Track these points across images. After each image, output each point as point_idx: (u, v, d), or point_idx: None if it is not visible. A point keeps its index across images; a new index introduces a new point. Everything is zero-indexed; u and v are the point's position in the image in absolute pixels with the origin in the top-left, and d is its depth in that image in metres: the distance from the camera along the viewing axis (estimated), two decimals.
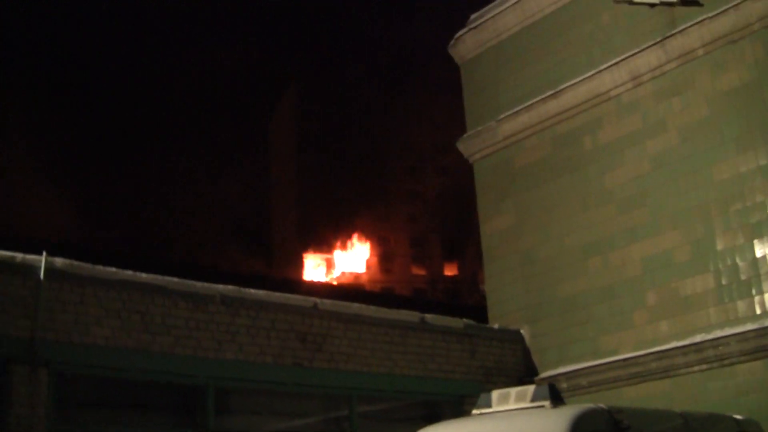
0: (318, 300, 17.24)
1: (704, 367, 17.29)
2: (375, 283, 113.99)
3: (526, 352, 20.43)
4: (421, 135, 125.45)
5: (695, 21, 18.64)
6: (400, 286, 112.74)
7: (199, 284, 15.75)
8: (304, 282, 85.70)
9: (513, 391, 10.91)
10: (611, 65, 20.04)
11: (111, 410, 15.02)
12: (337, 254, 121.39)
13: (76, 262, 14.36)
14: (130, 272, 14.97)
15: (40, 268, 13.84)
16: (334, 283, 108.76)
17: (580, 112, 20.74)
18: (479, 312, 22.72)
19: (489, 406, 11.02)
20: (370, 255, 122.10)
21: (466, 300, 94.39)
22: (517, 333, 20.56)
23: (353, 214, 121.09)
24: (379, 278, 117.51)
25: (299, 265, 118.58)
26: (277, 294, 16.96)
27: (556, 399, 10.37)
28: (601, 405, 10.17)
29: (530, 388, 10.74)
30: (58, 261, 14.13)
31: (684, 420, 11.37)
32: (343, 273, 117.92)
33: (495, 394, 11.08)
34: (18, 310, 13.55)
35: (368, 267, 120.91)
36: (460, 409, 18.59)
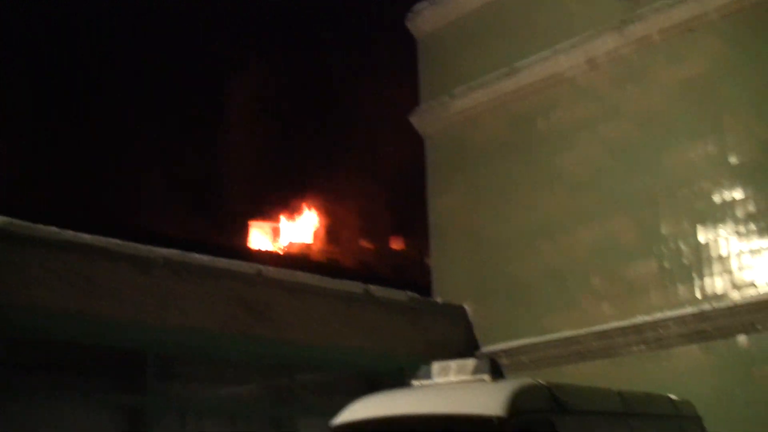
0: (262, 267, 17.11)
1: (643, 348, 17.58)
2: (321, 253, 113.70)
3: (469, 328, 20.46)
4: (375, 108, 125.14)
5: (653, 8, 18.68)
6: (346, 258, 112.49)
7: (143, 247, 15.46)
8: (250, 250, 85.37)
9: (453, 363, 10.89)
10: (568, 47, 20.03)
11: (52, 374, 14.77)
12: (284, 224, 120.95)
13: (17, 221, 13.94)
14: (72, 233, 14.61)
15: None
16: (280, 252, 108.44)
17: (536, 92, 20.69)
18: (425, 287, 22.70)
19: (429, 378, 11.01)
20: (318, 226, 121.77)
21: (412, 275, 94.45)
22: (461, 308, 20.58)
23: (303, 185, 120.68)
24: (326, 249, 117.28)
25: (246, 232, 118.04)
26: (222, 260, 16.72)
27: (496, 373, 10.37)
28: (541, 381, 10.19)
29: (471, 362, 10.73)
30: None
31: (621, 399, 11.45)
32: (290, 242, 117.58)
33: (436, 367, 11.07)
34: None
35: (315, 237, 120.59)
36: (401, 382, 18.40)
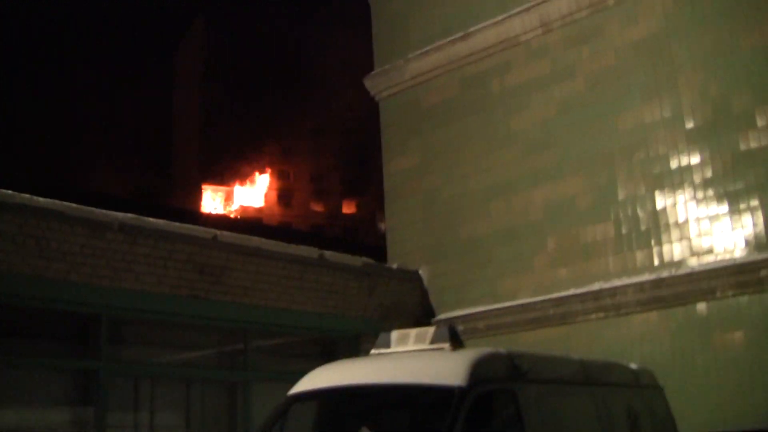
0: (218, 232, 17.00)
1: (601, 315, 17.55)
2: (273, 217, 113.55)
3: (424, 293, 20.43)
4: (326, 70, 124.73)
5: None
6: (298, 222, 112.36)
7: (97, 211, 15.24)
8: (203, 214, 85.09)
9: (412, 332, 10.84)
10: (522, 10, 20.00)
11: (4, 338, 14.68)
12: (237, 188, 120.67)
13: None
14: (27, 195, 14.43)
15: None
16: (232, 215, 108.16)
17: (490, 55, 20.66)
18: (377, 251, 22.68)
19: (388, 346, 10.94)
20: (269, 189, 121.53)
21: (365, 239, 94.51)
22: (416, 273, 20.56)
23: (255, 148, 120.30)
24: (278, 213, 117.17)
25: (198, 196, 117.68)
26: (177, 224, 16.57)
27: (456, 342, 10.33)
28: (501, 349, 10.16)
29: (430, 330, 10.68)
30: None
31: (581, 366, 11.43)
32: (241, 206, 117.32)
33: (394, 335, 11.00)
34: None
35: (267, 201, 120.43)
36: (356, 347, 18.59)
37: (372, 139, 23.78)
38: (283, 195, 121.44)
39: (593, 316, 17.67)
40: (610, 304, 17.44)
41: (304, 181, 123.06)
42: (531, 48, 19.98)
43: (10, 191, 14.28)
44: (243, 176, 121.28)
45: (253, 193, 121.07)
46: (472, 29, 20.83)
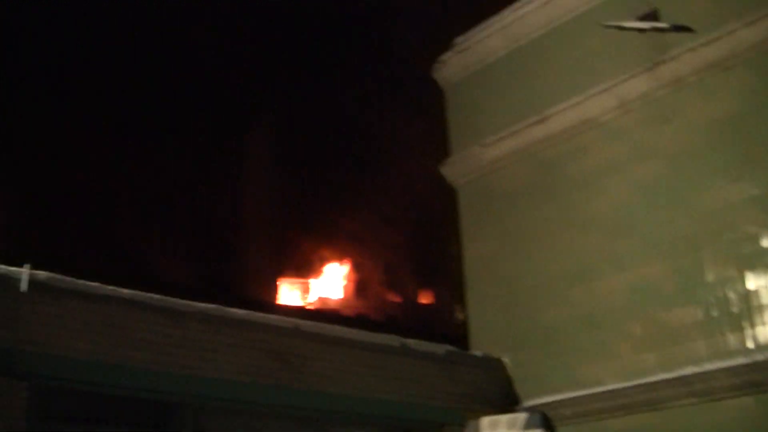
0: (299, 321, 17.02)
1: (693, 401, 16.97)
2: (349, 308, 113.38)
3: (508, 381, 20.08)
4: (398, 160, 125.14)
5: (687, 47, 18.48)
6: (374, 313, 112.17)
7: (179, 301, 15.50)
8: (279, 306, 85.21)
9: (503, 418, 10.71)
10: (599, 91, 19.84)
11: (88, 425, 14.78)
12: (312, 280, 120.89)
13: (58, 276, 14.16)
14: (111, 288, 14.75)
15: (23, 280, 13.62)
16: (309, 307, 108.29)
17: (566, 138, 20.51)
18: (453, 340, 22.43)
19: None
20: (345, 281, 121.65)
21: (440, 328, 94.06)
22: (499, 361, 20.24)
23: (329, 239, 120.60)
24: (354, 304, 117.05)
25: (273, 287, 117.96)
26: (258, 314, 16.71)
27: (549, 427, 10.15)
28: None
29: (521, 416, 10.55)
30: (41, 274, 13.94)
31: None
32: (319, 298, 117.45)
33: (485, 421, 10.88)
34: None
35: (344, 293, 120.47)
36: None
37: (446, 227, 23.69)
38: (359, 286, 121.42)
39: (684, 401, 17.07)
40: (702, 390, 16.84)
41: (379, 271, 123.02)
42: (609, 129, 19.79)
43: (96, 283, 14.58)
44: (318, 268, 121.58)
45: (329, 284, 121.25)
46: (548, 113, 20.74)
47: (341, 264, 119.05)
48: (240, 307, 16.86)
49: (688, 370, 17.18)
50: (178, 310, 15.32)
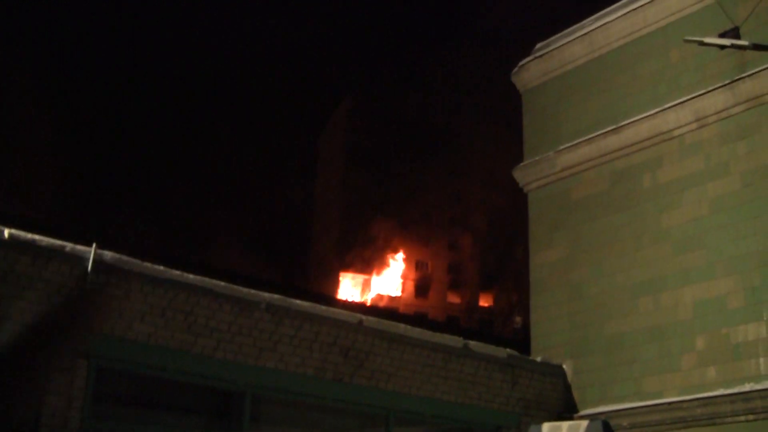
0: (363, 317, 17.04)
1: (751, 417, 16.91)
2: (409, 307, 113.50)
3: (567, 388, 20.07)
4: (469, 162, 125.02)
5: (765, 66, 18.35)
6: (433, 312, 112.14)
7: (245, 290, 15.61)
8: (339, 300, 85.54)
9: (564, 425, 10.69)
10: (676, 104, 19.73)
11: (146, 409, 15.00)
12: (374, 277, 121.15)
13: (124, 257, 14.28)
14: (177, 272, 14.88)
15: (88, 259, 13.73)
16: (368, 303, 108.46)
17: (641, 149, 20.42)
18: (512, 345, 22.40)
19: None
20: (406, 279, 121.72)
21: (500, 331, 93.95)
22: (560, 368, 20.23)
23: (394, 236, 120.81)
24: (414, 303, 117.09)
25: (335, 282, 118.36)
26: (322, 307, 16.77)
27: None
28: None
29: (583, 423, 10.52)
30: (107, 254, 14.04)
31: None
32: (378, 294, 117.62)
33: (546, 427, 10.86)
34: (63, 300, 13.45)
35: (403, 290, 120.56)
36: None
37: (513, 231, 23.72)
38: (420, 285, 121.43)
39: (743, 417, 17.02)
40: (761, 407, 16.75)
41: (441, 271, 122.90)
42: (684, 143, 19.67)
43: (161, 267, 14.62)
44: (380, 265, 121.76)
45: (390, 281, 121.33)
46: (624, 122, 20.64)
47: (402, 261, 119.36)
48: (303, 299, 16.92)
49: (748, 386, 17.11)
50: (243, 298, 15.42)
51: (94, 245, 13.93)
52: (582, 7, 22.94)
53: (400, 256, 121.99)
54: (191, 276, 14.99)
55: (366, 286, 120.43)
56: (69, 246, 13.76)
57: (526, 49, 24.09)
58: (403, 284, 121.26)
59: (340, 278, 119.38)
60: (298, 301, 16.27)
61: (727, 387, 17.41)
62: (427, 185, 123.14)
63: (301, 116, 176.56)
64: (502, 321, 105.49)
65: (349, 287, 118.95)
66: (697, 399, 17.74)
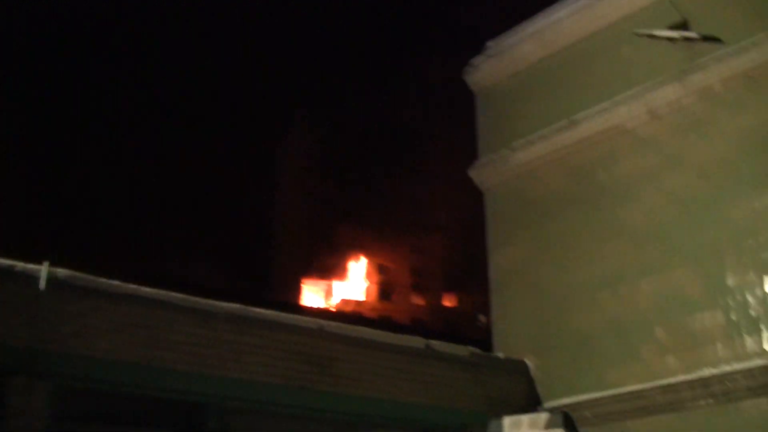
0: (324, 322, 17.03)
1: (711, 402, 17.08)
2: (373, 311, 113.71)
3: (531, 383, 20.12)
4: (428, 165, 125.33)
5: (715, 57, 18.51)
6: (398, 315, 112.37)
7: (203, 301, 15.50)
8: (303, 307, 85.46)
9: (525, 418, 10.76)
10: (629, 98, 19.86)
11: (110, 426, 14.84)
12: (336, 283, 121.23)
13: (79, 274, 14.15)
14: (134, 286, 14.74)
15: (41, 278, 13.62)
16: (333, 309, 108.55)
17: (596, 144, 20.50)
18: (477, 343, 22.46)
19: None
20: (369, 283, 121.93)
21: (465, 332, 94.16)
22: (523, 363, 20.27)
23: (355, 241, 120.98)
24: (378, 306, 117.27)
25: (297, 289, 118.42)
26: (283, 314, 16.74)
27: (570, 427, 10.20)
28: None
29: (543, 416, 10.60)
30: (61, 271, 13.91)
31: None
32: (342, 300, 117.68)
33: (507, 421, 10.93)
34: (17, 320, 13.33)
35: (367, 295, 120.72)
36: None
37: (473, 232, 23.73)
38: (384, 289, 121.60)
39: (703, 402, 17.17)
40: (720, 391, 16.94)
41: (404, 274, 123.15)
42: (638, 137, 19.77)
43: (117, 282, 14.54)
44: (342, 270, 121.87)
45: (353, 286, 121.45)
46: (577, 117, 20.74)
47: (364, 266, 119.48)
48: (265, 308, 16.87)
49: (707, 371, 17.29)
50: (202, 309, 15.34)
51: (46, 263, 13.81)
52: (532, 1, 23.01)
53: (363, 260, 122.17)
54: (148, 289, 14.88)
55: (329, 292, 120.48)
56: (19, 265, 13.64)
57: (479, 47, 24.12)
58: (367, 289, 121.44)
59: (303, 285, 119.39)
60: (259, 310, 16.21)
61: (686, 374, 17.58)
62: (387, 189, 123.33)
63: (257, 124, 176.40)
64: (467, 321, 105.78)
65: (313, 294, 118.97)
66: (658, 386, 17.87)
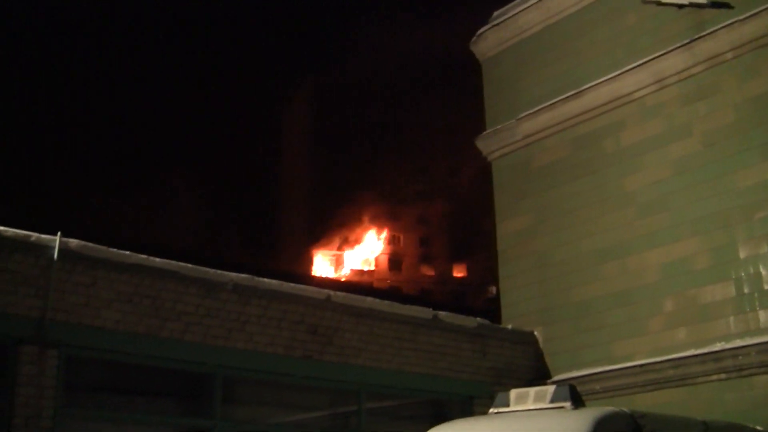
0: (331, 292, 17.00)
1: (722, 376, 16.95)
2: (383, 281, 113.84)
3: (539, 355, 20.11)
4: (434, 135, 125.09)
5: (724, 24, 18.30)
6: (407, 286, 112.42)
7: (211, 271, 15.51)
8: (313, 277, 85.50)
9: (532, 390, 10.70)
10: (635, 67, 19.72)
11: (118, 395, 14.95)
12: (347, 252, 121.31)
13: (90, 244, 14.18)
14: (143, 256, 14.77)
15: (53, 248, 13.66)
16: (342, 279, 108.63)
17: (602, 113, 20.41)
18: (486, 314, 22.44)
19: (507, 405, 10.80)
20: (379, 253, 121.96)
21: (474, 302, 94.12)
22: (531, 335, 20.26)
23: (364, 212, 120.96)
24: (387, 277, 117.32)
25: (306, 260, 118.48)
26: (290, 284, 16.69)
27: (577, 400, 10.14)
28: (624, 408, 9.95)
29: (550, 389, 10.53)
30: (72, 242, 13.94)
31: (705, 428, 11.13)
32: (351, 270, 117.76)
33: (513, 394, 10.87)
34: (29, 290, 13.39)
35: (377, 265, 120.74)
36: (468, 409, 18.36)
37: (482, 202, 23.67)
38: (393, 259, 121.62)
39: (713, 377, 17.05)
40: (731, 366, 16.79)
41: (413, 245, 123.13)
42: (645, 105, 19.67)
43: (127, 252, 14.56)
44: (352, 241, 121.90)
45: (363, 257, 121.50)
46: (584, 87, 20.63)
47: (374, 237, 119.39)
48: (274, 278, 16.85)
49: (718, 346, 17.16)
50: (209, 279, 15.35)
51: (59, 234, 13.84)
52: None
53: (372, 231, 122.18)
54: (157, 260, 14.90)
55: (339, 262, 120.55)
56: (34, 236, 13.67)
57: (486, 17, 24.01)
58: (376, 259, 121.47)
59: (313, 255, 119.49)
60: (264, 280, 16.19)
61: (697, 347, 17.45)
62: (394, 158, 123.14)
63: (262, 96, 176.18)
64: (476, 291, 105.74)
65: (323, 264, 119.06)
66: (668, 360, 17.77)
